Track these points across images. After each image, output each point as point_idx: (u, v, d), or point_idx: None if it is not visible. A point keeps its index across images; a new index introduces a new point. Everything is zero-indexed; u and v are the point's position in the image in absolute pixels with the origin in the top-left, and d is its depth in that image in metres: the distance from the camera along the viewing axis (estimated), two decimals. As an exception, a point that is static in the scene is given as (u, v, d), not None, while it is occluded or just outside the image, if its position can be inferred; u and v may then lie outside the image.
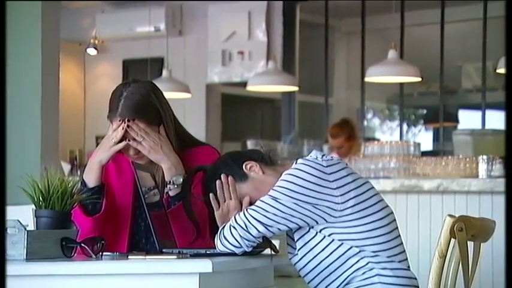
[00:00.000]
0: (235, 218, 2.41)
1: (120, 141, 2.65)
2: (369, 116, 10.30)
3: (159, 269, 2.26)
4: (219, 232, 2.43)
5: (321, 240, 2.40)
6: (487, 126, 7.69)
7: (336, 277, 2.41)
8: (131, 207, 2.75)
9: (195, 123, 8.15)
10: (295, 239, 2.44)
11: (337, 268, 2.41)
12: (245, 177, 2.50)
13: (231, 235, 2.38)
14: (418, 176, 5.47)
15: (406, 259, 2.48)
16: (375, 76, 6.84)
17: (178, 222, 2.61)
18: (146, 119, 2.67)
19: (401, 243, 2.48)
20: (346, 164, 2.49)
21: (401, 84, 8.16)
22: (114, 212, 2.73)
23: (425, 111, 10.50)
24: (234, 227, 2.39)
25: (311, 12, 8.85)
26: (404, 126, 9.38)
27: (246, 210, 2.41)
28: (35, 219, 2.45)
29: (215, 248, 2.43)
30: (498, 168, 5.10)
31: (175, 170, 2.65)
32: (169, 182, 2.66)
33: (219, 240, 2.41)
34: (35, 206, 2.44)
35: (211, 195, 2.51)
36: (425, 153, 6.55)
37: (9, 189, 2.38)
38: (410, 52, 8.00)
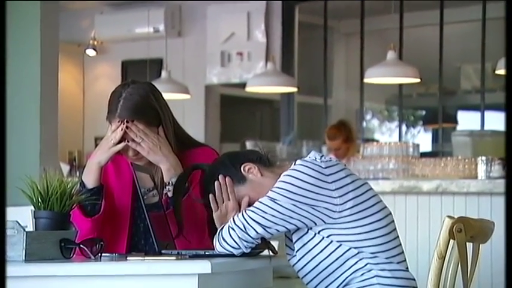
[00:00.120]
0: (233, 219, 2.41)
1: (119, 142, 2.65)
2: (368, 117, 10.31)
3: (158, 270, 2.26)
4: (217, 233, 2.43)
5: (320, 241, 2.40)
6: (486, 127, 7.69)
7: (335, 278, 2.41)
8: (130, 208, 2.75)
9: (194, 124, 8.15)
10: (294, 241, 2.44)
11: (336, 269, 2.41)
12: (243, 179, 2.50)
13: (230, 236, 2.38)
14: (417, 177, 5.47)
15: (405, 260, 2.48)
16: (374, 77, 6.84)
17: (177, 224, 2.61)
18: (145, 120, 2.67)
19: (400, 244, 2.48)
20: (345, 165, 2.49)
21: (400, 85, 8.16)
22: (113, 213, 2.73)
23: (424, 112, 10.51)
24: (233, 228, 2.39)
25: (310, 13, 8.85)
26: (403, 127, 9.38)
27: (245, 211, 2.41)
28: (33, 220, 2.45)
29: (214, 249, 2.43)
30: (497, 169, 5.10)
31: (174, 171, 2.65)
32: (168, 183, 2.66)
33: (217, 242, 2.41)
34: (34, 207, 2.44)
35: (210, 196, 2.51)
36: (424, 154, 6.56)
37: (8, 190, 2.38)
38: (409, 53, 8.00)
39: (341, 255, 2.39)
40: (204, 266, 2.20)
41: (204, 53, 8.73)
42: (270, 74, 7.44)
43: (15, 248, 2.33)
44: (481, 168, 5.16)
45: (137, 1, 8.86)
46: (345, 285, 2.42)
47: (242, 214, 2.40)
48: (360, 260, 2.40)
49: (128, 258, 2.40)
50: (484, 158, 5.18)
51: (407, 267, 2.48)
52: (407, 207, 5.09)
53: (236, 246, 2.38)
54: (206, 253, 2.42)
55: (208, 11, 8.70)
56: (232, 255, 2.40)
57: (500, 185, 4.82)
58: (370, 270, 2.40)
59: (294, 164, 2.45)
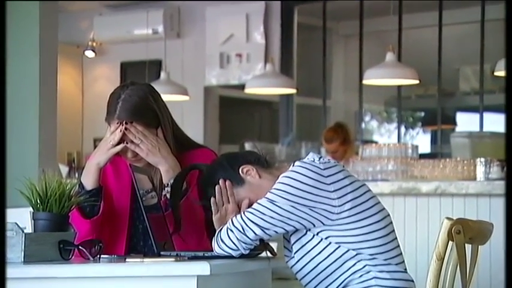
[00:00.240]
0: (232, 220, 2.41)
1: (118, 143, 2.65)
2: (367, 118, 10.31)
3: (157, 272, 2.26)
4: (216, 235, 2.43)
5: (318, 243, 2.39)
6: (484, 129, 7.69)
7: (333, 280, 2.41)
8: (129, 210, 2.75)
9: (193, 126, 8.15)
10: (292, 242, 2.44)
11: (334, 271, 2.40)
12: (242, 181, 2.49)
13: (228, 238, 2.38)
14: (416, 178, 5.47)
15: (403, 262, 2.48)
16: (373, 79, 6.84)
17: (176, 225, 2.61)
18: (144, 121, 2.67)
19: (398, 245, 2.48)
20: (343, 167, 2.49)
21: (399, 87, 8.16)
22: (112, 215, 2.72)
23: (423, 114, 10.51)
24: (231, 230, 2.38)
25: (309, 14, 8.86)
26: (402, 129, 9.38)
27: (243, 213, 2.41)
28: (32, 221, 2.45)
29: (212, 250, 2.43)
30: (496, 170, 5.10)
31: (173, 173, 2.65)
32: (167, 184, 2.66)
33: (216, 243, 2.41)
34: (33, 208, 2.44)
35: (212, 200, 2.50)
36: (423, 156, 6.55)
37: (7, 192, 2.38)
38: (408, 55, 8.00)
39: (339, 257, 2.39)
40: (203, 268, 2.20)
41: (203, 54, 8.73)
42: (269, 76, 7.44)
43: (14, 250, 2.33)
44: (480, 170, 5.16)
45: (136, 3, 8.86)
46: (344, 287, 2.42)
47: (240, 216, 2.40)
48: (359, 261, 2.40)
49: (126, 259, 2.40)
50: (482, 159, 5.18)
51: (405, 269, 2.48)
52: (406, 209, 5.09)
53: (234, 247, 2.38)
54: (205, 254, 2.42)
55: (207, 12, 8.70)
56: (231, 257, 2.40)
57: (499, 186, 4.82)
58: (368, 272, 2.40)
59: (293, 166, 2.44)
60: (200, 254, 2.43)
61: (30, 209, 2.46)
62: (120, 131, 2.64)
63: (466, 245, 2.40)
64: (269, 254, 2.58)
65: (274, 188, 2.40)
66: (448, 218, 2.39)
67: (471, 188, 4.91)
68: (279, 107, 8.86)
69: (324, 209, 2.36)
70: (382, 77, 6.82)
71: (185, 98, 7.80)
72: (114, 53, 9.21)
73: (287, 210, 2.36)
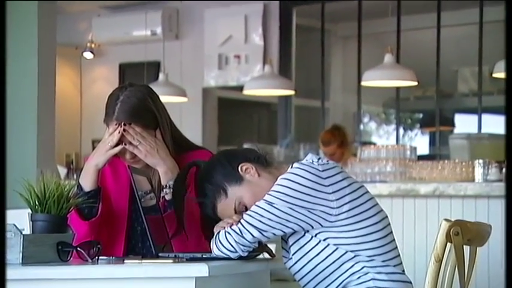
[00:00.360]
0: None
1: (117, 145, 2.65)
2: (365, 120, 10.31)
3: (155, 273, 2.26)
4: (214, 237, 2.42)
5: (316, 244, 2.39)
6: (483, 131, 7.70)
7: (331, 281, 2.41)
8: (127, 211, 2.75)
9: (192, 127, 8.15)
10: (290, 243, 2.44)
11: (332, 272, 2.40)
12: (240, 179, 2.48)
13: (226, 240, 2.38)
14: (415, 180, 5.47)
15: (401, 263, 2.48)
16: (371, 80, 6.85)
17: (174, 226, 2.61)
18: (142, 123, 2.67)
19: (396, 247, 2.48)
20: (342, 168, 2.48)
21: (398, 88, 8.17)
22: (110, 216, 2.72)
23: (421, 115, 10.51)
24: (229, 232, 2.38)
25: (307, 16, 8.86)
26: (401, 130, 9.39)
27: (242, 215, 2.40)
28: (31, 223, 2.44)
29: (211, 251, 2.42)
30: (494, 172, 5.10)
31: (171, 174, 2.65)
32: (166, 186, 2.66)
33: (214, 245, 2.40)
34: (31, 210, 2.44)
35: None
36: (421, 157, 6.56)
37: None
38: (406, 56, 8.00)
39: (338, 259, 2.39)
40: (201, 269, 2.20)
41: (202, 55, 8.73)
42: (267, 77, 7.44)
43: (13, 251, 2.33)
44: (478, 171, 5.16)
45: (135, 4, 8.86)
46: (342, 288, 2.42)
47: (239, 220, 2.40)
48: (357, 263, 2.39)
49: (125, 261, 2.40)
50: (481, 161, 5.18)
51: (403, 270, 2.48)
52: (405, 210, 5.09)
53: (233, 250, 2.38)
54: (203, 256, 2.41)
55: (206, 13, 8.70)
56: (229, 258, 2.40)
57: (498, 188, 4.83)
58: (366, 273, 2.40)
59: (291, 167, 2.44)
60: (198, 255, 2.43)
61: (29, 210, 2.45)
62: (119, 132, 2.64)
63: (464, 246, 2.40)
64: (267, 256, 2.58)
65: (273, 190, 2.39)
66: (446, 220, 2.39)
67: (469, 189, 4.91)
68: (277, 108, 8.86)
69: (322, 211, 2.36)
70: (380, 79, 6.83)
71: (184, 99, 7.80)
72: (112, 55, 9.21)
73: (285, 212, 2.36)
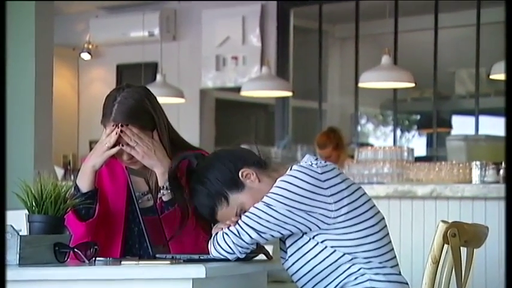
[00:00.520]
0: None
1: (114, 146, 2.65)
2: (363, 121, 10.32)
3: (152, 275, 2.26)
4: (212, 238, 2.42)
5: (314, 246, 2.39)
6: (480, 132, 7.70)
7: (329, 282, 2.41)
8: (124, 212, 2.74)
9: (189, 128, 8.15)
10: (288, 245, 2.43)
11: (330, 274, 2.40)
12: (242, 186, 2.45)
13: (224, 241, 2.37)
14: (412, 181, 5.47)
15: (398, 264, 2.48)
16: (369, 81, 6.85)
17: (171, 228, 2.61)
18: (140, 124, 2.67)
19: (393, 248, 2.48)
20: (340, 170, 2.48)
21: (395, 90, 8.17)
22: (108, 217, 2.72)
23: (418, 117, 10.52)
24: (227, 234, 2.38)
25: (305, 17, 8.87)
26: (398, 132, 9.39)
27: (240, 216, 2.40)
28: (28, 224, 2.44)
29: (208, 253, 2.42)
30: (491, 173, 5.11)
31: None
32: (163, 187, 2.66)
33: (212, 246, 2.40)
34: (28, 211, 2.44)
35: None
36: (418, 159, 6.56)
37: (2, 194, 2.38)
38: (403, 58, 8.01)
39: (335, 261, 2.39)
40: (198, 271, 2.20)
41: (199, 57, 8.73)
42: (264, 78, 7.45)
43: (10, 252, 2.32)
44: (476, 173, 5.16)
45: (132, 5, 8.86)
46: (340, 289, 2.42)
47: (237, 220, 2.39)
48: (354, 264, 2.39)
49: (122, 262, 2.40)
50: (478, 162, 5.19)
51: (400, 272, 2.48)
52: (402, 212, 5.09)
53: (230, 251, 2.38)
54: (200, 257, 2.41)
55: (203, 15, 8.70)
56: (226, 260, 2.39)
57: (495, 189, 4.83)
58: (363, 275, 2.40)
59: (290, 170, 2.43)
60: (196, 256, 2.43)
61: (26, 211, 2.45)
62: (116, 133, 2.64)
63: (461, 248, 2.40)
64: (264, 257, 2.58)
65: (271, 192, 2.38)
66: (443, 221, 2.39)
67: (467, 191, 4.91)
68: (274, 109, 8.86)
69: (321, 214, 2.36)
70: (377, 80, 6.84)
71: (181, 100, 7.80)
72: (110, 56, 9.21)
73: (283, 215, 2.35)
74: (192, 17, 8.80)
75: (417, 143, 9.98)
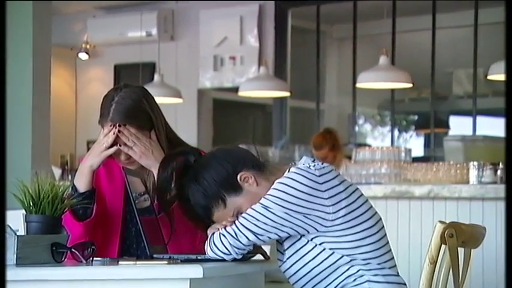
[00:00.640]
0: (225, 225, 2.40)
1: (111, 146, 2.64)
2: (360, 121, 10.32)
3: (150, 275, 2.26)
4: (209, 239, 2.41)
5: (312, 248, 2.39)
6: (477, 133, 7.71)
7: (327, 284, 2.41)
8: (122, 213, 2.74)
9: (187, 128, 8.15)
10: (286, 247, 2.43)
11: (328, 276, 2.40)
12: (239, 189, 2.43)
13: (221, 243, 2.37)
14: (409, 182, 5.48)
15: (396, 265, 2.48)
16: (366, 82, 6.86)
17: (169, 228, 2.60)
18: (137, 124, 2.67)
19: (391, 249, 2.47)
20: (337, 171, 2.47)
21: (393, 90, 8.18)
22: (105, 217, 2.72)
23: (416, 117, 10.53)
24: (224, 235, 2.37)
25: (303, 18, 8.87)
26: (396, 132, 9.41)
27: (237, 218, 2.40)
28: (25, 224, 2.44)
29: (205, 253, 2.42)
30: (489, 174, 5.11)
31: (166, 175, 2.65)
32: (160, 187, 2.65)
33: (209, 247, 2.39)
34: (26, 211, 2.44)
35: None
36: (416, 159, 6.57)
37: (0, 194, 2.38)
38: (401, 58, 8.02)
39: (333, 263, 2.38)
40: (195, 271, 2.20)
41: (197, 57, 8.73)
42: (262, 78, 7.45)
43: (7, 252, 2.32)
44: (473, 173, 5.17)
45: (130, 5, 8.86)
46: (338, 290, 2.42)
47: (234, 221, 2.39)
48: (352, 266, 2.39)
49: (119, 262, 2.40)
50: (475, 163, 5.19)
51: (398, 272, 2.48)
52: (399, 212, 5.09)
53: (227, 252, 2.37)
54: (198, 258, 2.41)
55: (201, 15, 8.70)
56: (223, 260, 2.39)
57: (492, 190, 4.83)
58: (362, 276, 2.40)
59: (288, 172, 2.43)
60: (193, 257, 2.42)
61: (23, 211, 2.45)
62: (114, 133, 2.64)
63: (458, 248, 2.40)
64: (262, 257, 2.58)
65: (269, 194, 2.37)
66: (441, 222, 2.39)
67: (464, 191, 4.92)
68: (272, 109, 8.87)
69: (318, 216, 2.36)
70: (375, 80, 6.84)
71: (179, 100, 7.80)
72: (107, 56, 9.21)
73: (281, 217, 2.35)
74: (190, 17, 8.80)
75: (415, 144, 9.99)
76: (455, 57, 9.03)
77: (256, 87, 7.49)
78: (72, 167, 8.42)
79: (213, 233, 2.40)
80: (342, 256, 2.38)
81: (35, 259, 2.36)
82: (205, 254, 2.42)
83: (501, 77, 6.17)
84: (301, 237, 2.39)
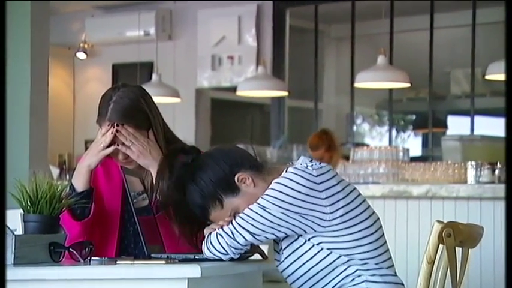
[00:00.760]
0: (222, 226, 2.40)
1: (109, 145, 2.65)
2: (358, 121, 10.32)
3: (148, 274, 2.26)
4: (206, 239, 2.41)
5: (310, 248, 2.38)
6: (475, 132, 7.71)
7: (325, 284, 2.41)
8: (120, 212, 2.74)
9: (185, 128, 8.15)
10: (283, 247, 2.43)
11: (326, 276, 2.40)
12: (237, 190, 2.43)
13: (218, 242, 2.37)
14: (407, 181, 5.48)
15: (393, 265, 2.48)
16: (364, 81, 6.86)
17: (166, 227, 2.61)
18: (135, 123, 2.67)
19: (388, 249, 2.47)
20: (335, 171, 2.47)
21: (391, 90, 8.18)
22: (103, 217, 2.72)
23: (414, 117, 10.53)
24: (221, 235, 2.37)
25: (301, 17, 8.87)
26: (394, 132, 9.41)
27: (234, 218, 2.39)
28: (23, 223, 2.44)
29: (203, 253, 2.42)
30: (486, 174, 5.11)
31: (164, 175, 2.64)
32: (158, 186, 2.65)
33: (206, 247, 2.39)
34: (23, 210, 2.44)
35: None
36: (414, 159, 6.57)
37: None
38: (399, 58, 8.02)
39: (331, 263, 2.38)
40: (193, 270, 2.20)
41: (195, 56, 8.73)
42: (260, 78, 7.45)
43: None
44: (471, 173, 5.17)
45: (128, 4, 8.85)
46: (336, 290, 2.41)
47: (231, 221, 2.39)
48: (350, 266, 2.39)
49: (117, 262, 2.40)
50: (473, 162, 5.19)
51: (395, 272, 2.48)
52: (397, 212, 5.09)
53: (224, 252, 2.37)
54: (196, 257, 2.41)
55: (199, 14, 8.70)
56: (221, 259, 2.39)
57: (490, 189, 4.84)
58: (359, 276, 2.40)
59: (286, 171, 2.42)
60: (191, 256, 2.42)
61: (21, 210, 2.45)
62: (111, 133, 2.64)
63: (456, 248, 2.40)
64: (259, 257, 2.58)
65: (266, 194, 2.37)
66: (438, 221, 2.39)
67: (462, 191, 4.92)
68: (270, 109, 8.86)
69: (316, 216, 2.36)
70: (373, 80, 6.84)
71: (177, 100, 7.79)
72: (105, 55, 9.20)
73: (278, 217, 2.35)
74: (188, 17, 8.79)
75: (413, 143, 9.99)
76: (453, 57, 9.03)
77: (254, 86, 7.49)
78: (70, 167, 8.41)
79: (210, 233, 2.40)
80: (340, 256, 2.38)
81: (32, 259, 2.35)
82: (203, 253, 2.42)
83: (499, 76, 6.18)
84: (298, 237, 2.39)
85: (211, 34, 8.60)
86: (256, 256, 2.58)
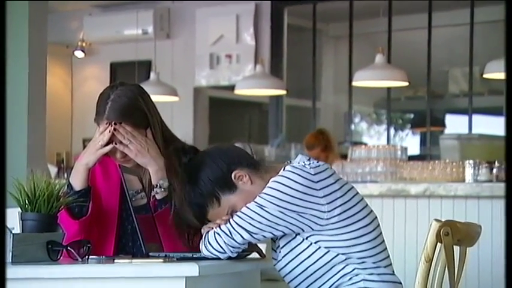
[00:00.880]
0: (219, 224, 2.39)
1: (107, 144, 2.65)
2: (356, 120, 10.32)
3: (146, 273, 2.25)
4: (203, 237, 2.41)
5: (307, 247, 2.39)
6: (473, 131, 7.72)
7: (322, 283, 2.41)
8: (118, 211, 2.74)
9: (183, 127, 8.14)
10: (281, 245, 2.43)
11: (323, 274, 2.40)
12: (234, 187, 2.43)
13: (216, 241, 2.37)
14: (405, 180, 5.48)
15: (391, 264, 2.48)
16: (363, 80, 6.86)
17: (165, 226, 2.60)
18: (133, 122, 2.67)
19: (386, 248, 2.47)
20: (332, 170, 2.47)
21: (389, 89, 8.18)
22: (101, 215, 2.72)
23: (412, 116, 10.53)
24: (218, 234, 2.37)
25: (299, 16, 8.87)
26: (392, 131, 9.40)
27: (231, 216, 2.39)
28: (20, 222, 2.44)
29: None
30: (484, 172, 5.12)
31: (162, 173, 2.65)
32: (156, 185, 2.66)
33: (203, 246, 2.39)
34: (21, 209, 2.43)
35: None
36: (412, 158, 6.57)
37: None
38: (397, 56, 8.02)
39: (329, 261, 2.38)
40: (191, 269, 2.20)
41: (193, 55, 8.72)
42: (258, 77, 7.44)
43: (2, 250, 2.32)
44: (469, 172, 5.17)
45: (126, 3, 8.85)
46: (334, 289, 2.42)
47: (228, 219, 2.39)
48: (348, 265, 2.39)
49: (115, 260, 2.40)
50: (471, 161, 5.20)
51: (393, 271, 2.48)
52: (395, 211, 5.10)
53: (222, 251, 2.37)
54: (194, 256, 2.41)
55: (197, 13, 8.70)
56: (219, 258, 2.39)
57: (488, 188, 4.84)
58: (357, 275, 2.40)
59: (283, 170, 2.42)
60: (189, 255, 2.42)
61: (19, 209, 2.45)
62: (109, 131, 2.64)
63: (454, 246, 2.41)
64: (257, 255, 2.58)
65: (264, 193, 2.37)
66: (436, 220, 2.40)
67: (460, 190, 4.92)
68: (268, 108, 8.86)
69: (313, 215, 2.35)
70: (371, 79, 6.84)
71: (175, 98, 7.79)
72: (103, 54, 9.20)
73: (276, 216, 2.35)
74: (186, 15, 8.79)
75: (411, 142, 9.99)
76: (451, 56, 9.03)
77: (253, 85, 7.49)
78: (68, 165, 8.41)
79: (208, 232, 2.40)
80: (337, 255, 2.38)
81: (30, 257, 2.35)
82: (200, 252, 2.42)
83: (497, 75, 6.18)
84: (296, 235, 2.39)
85: (209, 33, 8.60)
86: (254, 255, 2.58)
